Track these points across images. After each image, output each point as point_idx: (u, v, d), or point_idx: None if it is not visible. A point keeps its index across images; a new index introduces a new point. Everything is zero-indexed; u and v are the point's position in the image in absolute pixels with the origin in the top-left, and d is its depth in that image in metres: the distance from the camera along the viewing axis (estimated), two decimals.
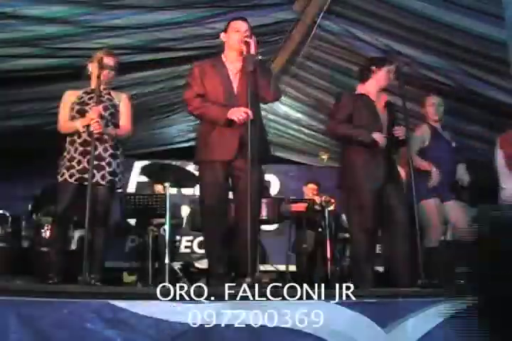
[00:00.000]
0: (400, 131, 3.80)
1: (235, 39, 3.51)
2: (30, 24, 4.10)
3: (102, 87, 3.72)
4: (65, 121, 3.80)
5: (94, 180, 3.59)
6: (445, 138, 4.40)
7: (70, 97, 3.84)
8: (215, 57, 3.69)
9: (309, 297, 2.58)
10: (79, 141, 3.73)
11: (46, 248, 5.09)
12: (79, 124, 3.68)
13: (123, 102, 3.94)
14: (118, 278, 6.26)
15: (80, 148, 3.72)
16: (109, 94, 3.90)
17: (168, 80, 5.70)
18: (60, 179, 3.72)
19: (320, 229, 5.66)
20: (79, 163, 3.69)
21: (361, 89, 4.01)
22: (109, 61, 3.79)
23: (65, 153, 3.78)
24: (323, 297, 2.56)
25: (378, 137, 3.76)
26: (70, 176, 3.68)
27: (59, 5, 3.98)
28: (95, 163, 3.62)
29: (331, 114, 4.07)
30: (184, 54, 5.09)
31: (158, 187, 6.22)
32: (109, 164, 3.74)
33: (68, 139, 3.79)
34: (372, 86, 3.98)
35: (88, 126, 3.62)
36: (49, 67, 4.83)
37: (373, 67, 3.96)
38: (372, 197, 3.74)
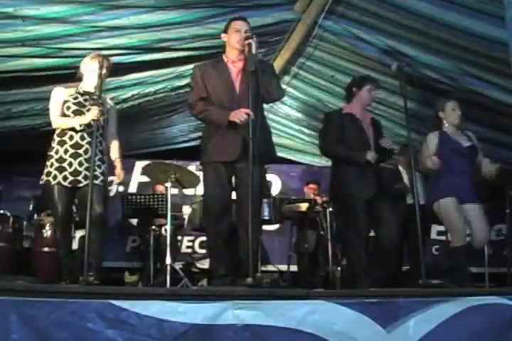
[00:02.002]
0: (387, 142, 4.13)
1: (236, 39, 3.51)
2: (30, 24, 4.10)
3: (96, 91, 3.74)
4: (57, 117, 3.80)
5: (87, 182, 3.61)
6: (456, 141, 4.30)
7: (60, 93, 3.84)
8: (216, 57, 3.70)
9: (310, 297, 2.58)
10: (70, 142, 3.74)
11: (47, 248, 5.10)
12: (76, 122, 3.70)
13: (113, 112, 3.99)
14: (119, 278, 6.26)
15: (71, 150, 3.73)
16: (103, 98, 3.88)
17: (169, 80, 5.69)
18: (52, 181, 3.70)
19: (322, 232, 5.66)
20: (70, 165, 3.70)
21: (347, 108, 4.26)
22: (106, 63, 3.81)
23: (53, 153, 3.76)
24: (323, 297, 2.56)
25: (370, 156, 4.04)
26: (64, 179, 3.69)
27: (59, 5, 3.98)
28: (86, 165, 3.66)
29: (322, 133, 4.41)
30: (184, 54, 5.09)
31: (160, 188, 6.23)
32: (98, 166, 3.76)
33: (57, 139, 3.77)
34: (357, 105, 4.25)
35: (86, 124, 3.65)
36: (49, 67, 4.83)
37: (354, 89, 4.25)
38: (363, 207, 4.02)
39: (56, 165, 3.72)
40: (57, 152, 3.75)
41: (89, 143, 3.69)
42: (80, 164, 3.70)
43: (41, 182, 3.76)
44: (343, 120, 4.18)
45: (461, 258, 4.05)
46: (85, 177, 3.66)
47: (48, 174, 3.72)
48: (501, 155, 5.98)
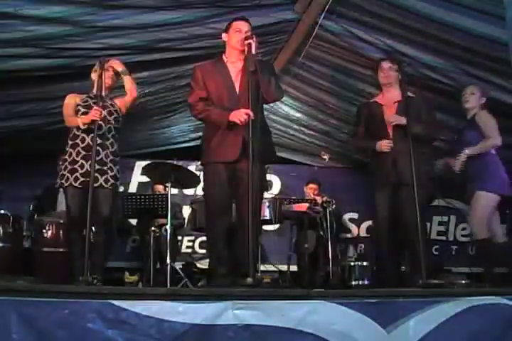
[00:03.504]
0: (394, 119, 3.98)
1: (237, 39, 3.52)
2: (30, 24, 4.10)
3: (104, 94, 3.79)
4: (69, 116, 3.94)
5: (97, 184, 3.70)
6: (470, 130, 4.41)
7: (72, 99, 3.99)
8: (217, 57, 3.70)
9: (310, 297, 2.58)
10: (82, 145, 3.83)
11: (47, 248, 5.09)
12: (80, 121, 3.76)
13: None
14: (119, 278, 6.26)
15: (83, 152, 3.82)
16: (112, 99, 4.02)
17: (169, 80, 5.69)
18: (65, 183, 3.80)
19: (322, 232, 5.65)
20: (82, 166, 3.78)
21: (378, 96, 4.29)
22: (109, 66, 3.89)
23: (66, 156, 3.85)
24: (323, 297, 2.56)
25: (382, 145, 3.99)
26: (75, 180, 3.76)
27: (59, 5, 3.98)
28: (98, 167, 3.69)
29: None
30: (184, 54, 5.08)
31: (159, 188, 6.23)
32: (110, 169, 3.85)
33: (70, 143, 3.87)
34: (384, 91, 4.26)
35: (89, 124, 3.70)
36: (49, 67, 4.82)
37: (375, 72, 4.31)
38: (384, 199, 4.02)
39: (69, 167, 3.81)
40: (70, 155, 3.85)
41: (100, 144, 3.75)
42: None
43: (56, 186, 3.91)
44: (365, 110, 4.24)
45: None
46: (96, 179, 3.72)
47: (62, 177, 3.84)
48: (500, 155, 5.98)
